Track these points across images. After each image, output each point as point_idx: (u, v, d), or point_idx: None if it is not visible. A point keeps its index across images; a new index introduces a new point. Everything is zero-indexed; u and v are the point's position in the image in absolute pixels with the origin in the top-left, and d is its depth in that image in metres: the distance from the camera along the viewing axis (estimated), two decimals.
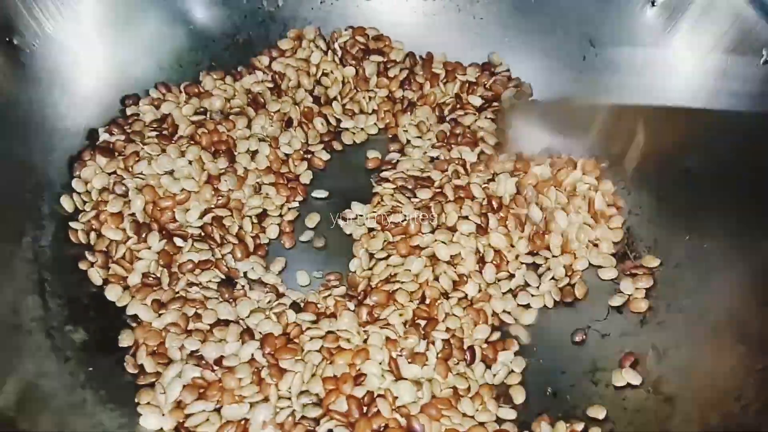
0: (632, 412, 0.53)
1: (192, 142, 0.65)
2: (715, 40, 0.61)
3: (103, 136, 0.65)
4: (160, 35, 0.70)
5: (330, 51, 0.74)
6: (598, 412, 0.53)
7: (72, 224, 0.60)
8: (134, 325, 0.57)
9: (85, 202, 0.62)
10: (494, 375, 0.56)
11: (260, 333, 0.57)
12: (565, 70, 0.72)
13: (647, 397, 0.53)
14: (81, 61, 0.66)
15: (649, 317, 0.59)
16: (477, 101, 0.72)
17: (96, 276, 0.59)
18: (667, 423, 0.51)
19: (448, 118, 0.71)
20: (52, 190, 0.62)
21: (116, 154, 0.64)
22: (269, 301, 0.59)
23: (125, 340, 0.56)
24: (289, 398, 0.54)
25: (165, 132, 0.66)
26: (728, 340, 0.52)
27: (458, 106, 0.72)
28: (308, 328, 0.57)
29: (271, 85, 0.72)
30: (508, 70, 0.74)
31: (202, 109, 0.68)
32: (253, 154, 0.67)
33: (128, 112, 0.68)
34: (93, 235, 0.61)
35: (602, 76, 0.70)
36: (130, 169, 0.63)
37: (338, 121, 0.72)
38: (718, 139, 0.62)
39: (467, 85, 0.73)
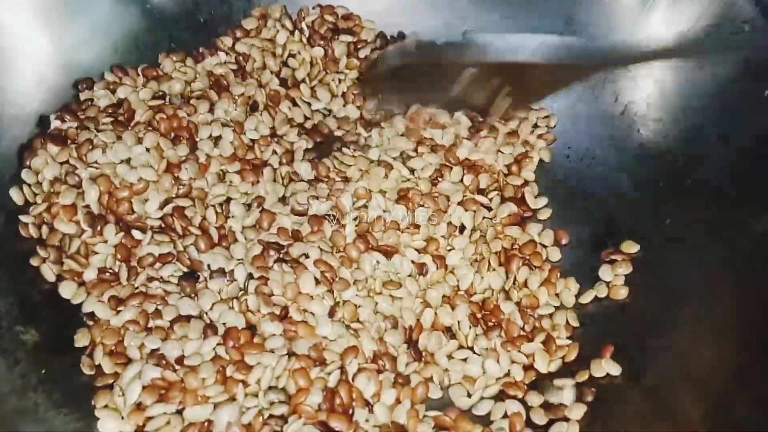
0: (612, 404, 0.51)
1: (150, 128, 0.61)
2: (695, 16, 0.59)
3: (55, 123, 0.62)
4: (115, 15, 0.67)
5: (297, 31, 0.71)
6: (577, 410, 0.51)
7: (22, 218, 0.57)
8: (90, 323, 0.54)
9: (35, 194, 0.59)
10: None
11: (224, 326, 0.54)
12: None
13: (628, 388, 0.52)
14: (28, 44, 0.62)
15: (629, 305, 0.57)
16: None
17: (49, 272, 0.55)
18: (649, 416, 0.49)
19: None
20: (0, 182, 0.58)
21: (69, 142, 0.60)
22: (231, 292, 0.56)
23: (81, 339, 0.53)
24: (257, 395, 0.51)
25: (121, 118, 0.62)
26: (709, 330, 0.51)
27: None
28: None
29: (234, 67, 0.68)
30: None
31: (160, 93, 0.65)
32: (216, 140, 0.64)
33: (82, 97, 0.64)
34: (45, 228, 0.57)
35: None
36: (84, 158, 0.59)
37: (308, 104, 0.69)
38: (697, 120, 0.60)
39: None
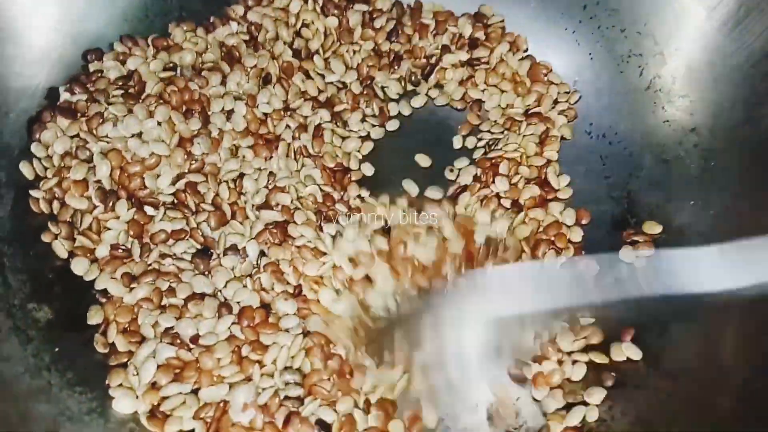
0: (632, 388, 0.50)
1: (161, 101, 0.60)
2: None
3: (64, 96, 0.60)
4: None
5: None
6: (597, 394, 0.50)
7: (33, 192, 0.56)
8: (103, 300, 0.53)
9: (46, 169, 0.58)
10: None
11: (238, 304, 0.53)
12: (563, 20, 0.67)
13: (647, 372, 0.51)
14: (36, 14, 0.60)
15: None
16: (464, 56, 0.67)
17: (61, 248, 0.55)
18: (668, 400, 0.48)
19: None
20: (10, 156, 0.57)
21: (79, 115, 0.59)
22: (244, 270, 0.55)
23: (94, 317, 0.53)
24: (272, 375, 0.51)
25: (131, 90, 0.61)
26: (733, 317, 0.49)
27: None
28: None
29: (246, 37, 0.66)
30: (502, 21, 0.69)
31: (171, 65, 0.63)
32: (229, 114, 0.62)
33: (91, 68, 0.62)
34: (56, 204, 0.56)
35: (603, 25, 0.65)
36: (95, 132, 0.58)
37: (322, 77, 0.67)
38: (726, 97, 0.58)
39: (458, 37, 0.68)
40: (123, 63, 0.63)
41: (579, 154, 0.63)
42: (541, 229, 0.59)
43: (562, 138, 0.64)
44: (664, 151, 0.61)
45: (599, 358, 0.52)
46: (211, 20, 0.67)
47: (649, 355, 0.52)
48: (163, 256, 0.55)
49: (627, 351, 0.52)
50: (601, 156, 0.63)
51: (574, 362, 0.53)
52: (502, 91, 0.66)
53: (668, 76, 0.62)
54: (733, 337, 0.49)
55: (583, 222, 0.60)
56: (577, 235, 0.59)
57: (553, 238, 0.58)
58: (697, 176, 0.58)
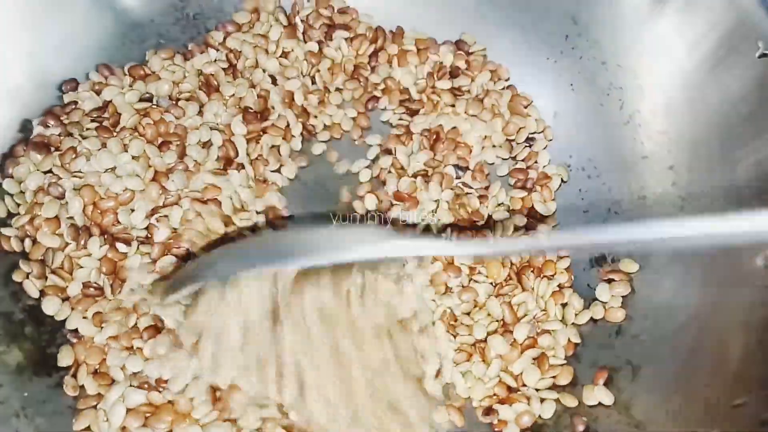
0: None
1: (136, 134, 0.59)
2: (707, 26, 0.56)
3: (38, 129, 0.59)
4: (100, 10, 0.64)
5: (291, 26, 0.68)
6: None
7: (3, 230, 0.55)
8: (74, 341, 0.53)
9: (18, 205, 0.57)
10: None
11: None
12: (545, 50, 0.66)
13: (618, 420, 0.51)
14: (9, 43, 0.59)
15: (625, 328, 0.56)
16: (447, 85, 0.66)
17: (32, 288, 0.54)
18: None
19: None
20: None
21: (52, 149, 0.58)
22: None
23: (64, 358, 0.52)
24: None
25: (106, 123, 0.60)
26: (705, 365, 0.49)
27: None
28: None
29: (225, 65, 0.66)
30: (483, 50, 0.68)
31: (147, 95, 0.62)
32: (205, 145, 0.61)
33: (65, 99, 0.62)
34: (28, 241, 0.56)
35: (585, 56, 0.65)
36: (67, 167, 0.58)
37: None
38: (703, 135, 0.58)
39: (439, 66, 0.68)
40: (98, 93, 0.62)
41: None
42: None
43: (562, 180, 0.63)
44: (642, 187, 0.60)
45: (569, 401, 0.52)
46: (189, 47, 0.66)
47: (620, 400, 0.52)
48: (131, 290, 0.55)
49: (599, 395, 0.52)
50: (580, 189, 0.63)
51: (543, 400, 0.53)
52: (483, 121, 0.65)
53: (647, 111, 0.61)
54: (703, 388, 0.48)
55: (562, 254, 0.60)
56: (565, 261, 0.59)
57: (540, 267, 0.58)
58: (674, 215, 0.58)
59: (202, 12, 0.68)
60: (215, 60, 0.66)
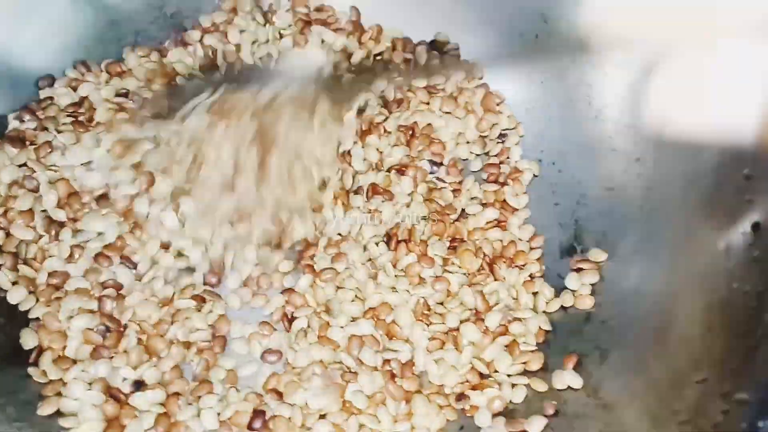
0: (571, 417, 0.51)
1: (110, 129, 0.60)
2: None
3: (13, 124, 0.60)
4: (76, 8, 0.64)
5: (268, 24, 0.69)
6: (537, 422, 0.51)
7: None
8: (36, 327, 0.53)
9: None
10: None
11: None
12: (517, 48, 0.68)
13: (586, 402, 0.51)
14: None
15: (594, 315, 0.57)
16: (422, 83, 0.67)
17: (4, 279, 0.54)
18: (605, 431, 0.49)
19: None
20: None
21: (27, 143, 0.59)
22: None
23: (28, 341, 0.52)
24: None
25: (82, 118, 0.60)
26: (671, 346, 0.50)
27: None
28: None
29: (203, 61, 0.66)
30: (457, 49, 0.70)
31: (123, 91, 0.63)
32: None
33: (41, 95, 0.62)
34: (1, 234, 0.56)
35: (555, 54, 0.66)
36: (43, 161, 0.58)
37: None
38: (670, 128, 0.59)
39: (414, 64, 0.69)
40: (75, 89, 0.63)
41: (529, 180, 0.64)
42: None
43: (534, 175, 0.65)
44: (610, 179, 0.62)
45: (540, 386, 0.53)
46: (166, 44, 0.67)
47: (589, 384, 0.52)
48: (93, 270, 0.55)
49: (568, 379, 0.53)
50: (550, 183, 0.64)
51: (514, 385, 0.53)
52: (457, 118, 0.67)
53: (615, 106, 0.63)
54: (669, 368, 0.50)
55: (535, 244, 0.61)
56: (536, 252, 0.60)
57: (512, 258, 0.59)
58: (641, 205, 0.59)
59: (180, 11, 0.69)
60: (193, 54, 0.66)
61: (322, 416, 0.51)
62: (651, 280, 0.56)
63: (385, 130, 0.65)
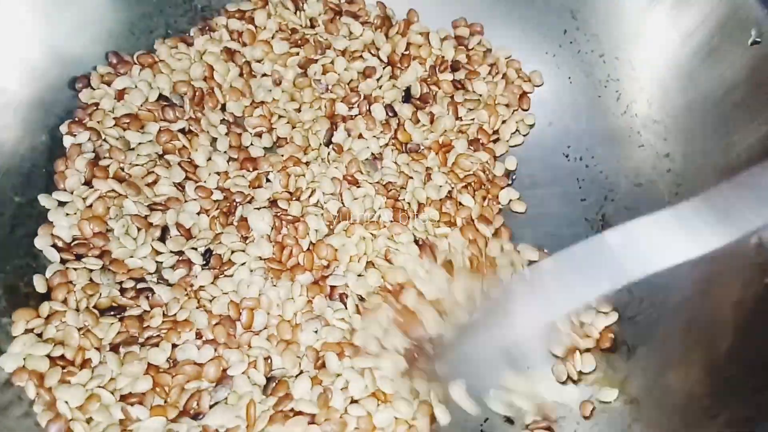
0: (598, 412, 0.51)
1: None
2: (701, 16, 0.57)
3: (67, 139, 0.61)
4: (108, 1, 0.65)
5: (299, 12, 0.69)
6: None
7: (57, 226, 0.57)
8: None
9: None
10: None
11: None
12: (544, 44, 0.68)
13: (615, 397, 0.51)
14: (23, 30, 0.61)
15: (622, 310, 0.56)
16: (448, 77, 0.68)
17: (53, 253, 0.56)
18: (631, 426, 0.49)
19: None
20: None
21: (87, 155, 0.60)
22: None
23: (40, 285, 0.54)
24: None
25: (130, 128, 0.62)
26: (700, 343, 0.50)
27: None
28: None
29: (231, 45, 0.67)
30: (481, 43, 0.69)
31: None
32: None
33: (82, 98, 0.63)
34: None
35: (583, 50, 0.66)
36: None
37: None
38: (698, 123, 0.59)
39: (441, 59, 0.69)
40: (108, 84, 0.64)
41: (556, 175, 0.64)
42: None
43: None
44: (638, 174, 0.61)
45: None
46: (192, 33, 0.68)
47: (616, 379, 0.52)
48: None
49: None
50: (577, 178, 0.64)
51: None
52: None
53: (644, 101, 0.62)
54: (698, 365, 0.49)
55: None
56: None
57: None
58: (670, 201, 0.59)
59: (210, 4, 0.69)
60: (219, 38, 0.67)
61: None
62: (679, 277, 0.55)
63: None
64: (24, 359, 0.50)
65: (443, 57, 0.69)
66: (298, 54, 0.67)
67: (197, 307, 0.54)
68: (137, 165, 0.60)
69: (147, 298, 0.54)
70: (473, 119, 0.66)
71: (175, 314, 0.54)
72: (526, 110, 0.67)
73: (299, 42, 0.68)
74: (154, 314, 0.53)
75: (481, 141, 0.65)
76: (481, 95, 0.67)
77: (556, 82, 0.67)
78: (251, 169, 0.62)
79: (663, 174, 0.60)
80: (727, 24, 0.55)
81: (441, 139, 0.64)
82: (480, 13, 0.69)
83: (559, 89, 0.67)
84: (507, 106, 0.67)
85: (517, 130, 0.66)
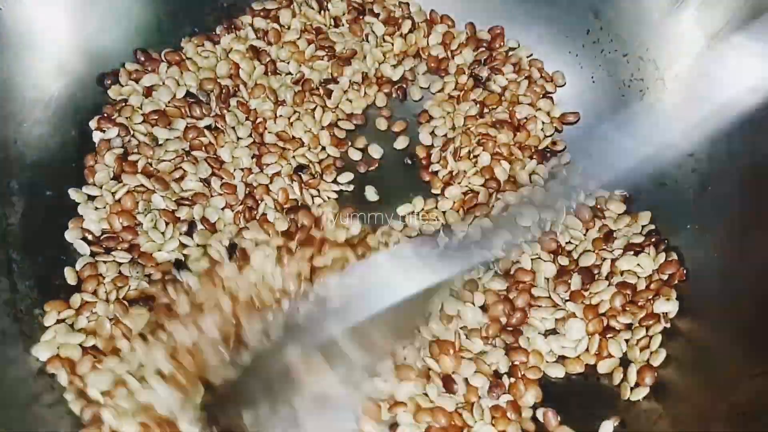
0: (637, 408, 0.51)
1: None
2: (726, 17, 0.57)
3: (97, 135, 0.62)
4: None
5: (323, 11, 0.70)
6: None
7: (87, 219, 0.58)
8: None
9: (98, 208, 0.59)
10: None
11: None
12: (567, 44, 0.68)
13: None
14: (53, 27, 0.62)
15: None
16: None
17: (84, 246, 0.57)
18: (658, 423, 0.49)
19: None
20: (23, 165, 0.59)
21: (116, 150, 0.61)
22: None
23: (70, 277, 0.55)
24: None
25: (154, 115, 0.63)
26: (725, 339, 0.50)
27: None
28: None
29: (257, 43, 0.68)
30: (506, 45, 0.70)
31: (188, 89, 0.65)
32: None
33: (110, 94, 0.64)
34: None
35: (606, 50, 0.66)
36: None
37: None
38: (724, 123, 0.58)
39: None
40: (137, 81, 0.64)
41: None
42: None
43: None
44: (662, 174, 0.61)
45: None
46: (218, 31, 0.68)
47: None
48: None
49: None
50: None
51: None
52: None
53: (668, 101, 0.62)
54: (724, 360, 0.49)
55: None
56: None
57: None
58: (694, 200, 0.59)
59: (235, 3, 0.70)
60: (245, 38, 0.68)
61: None
62: (704, 277, 0.55)
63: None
64: (58, 348, 0.51)
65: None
66: (323, 58, 0.68)
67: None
68: (165, 160, 0.60)
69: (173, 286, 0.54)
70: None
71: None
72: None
73: (324, 45, 0.68)
74: (181, 302, 0.54)
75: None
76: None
77: (579, 81, 0.68)
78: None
79: (688, 174, 0.60)
80: (752, 24, 0.55)
81: None
82: (503, 13, 0.70)
83: (582, 89, 0.67)
84: (530, 105, 0.67)
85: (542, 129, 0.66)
